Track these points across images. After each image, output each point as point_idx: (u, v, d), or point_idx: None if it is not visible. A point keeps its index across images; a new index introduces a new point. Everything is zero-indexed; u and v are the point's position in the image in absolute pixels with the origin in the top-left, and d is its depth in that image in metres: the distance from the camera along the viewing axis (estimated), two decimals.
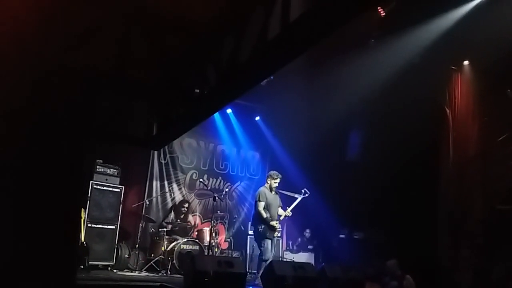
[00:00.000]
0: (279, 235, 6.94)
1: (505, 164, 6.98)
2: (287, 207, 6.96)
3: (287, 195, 7.38)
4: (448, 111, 7.57)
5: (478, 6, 6.43)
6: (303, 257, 8.47)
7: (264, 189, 6.79)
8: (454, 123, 7.55)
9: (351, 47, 7.28)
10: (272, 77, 8.33)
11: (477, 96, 7.44)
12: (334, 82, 7.77)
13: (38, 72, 4.52)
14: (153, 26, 4.15)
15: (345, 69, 7.53)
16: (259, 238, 6.59)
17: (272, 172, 6.98)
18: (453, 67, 7.63)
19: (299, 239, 9.16)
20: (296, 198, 7.10)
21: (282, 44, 2.82)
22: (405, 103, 7.21)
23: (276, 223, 6.58)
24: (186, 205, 8.54)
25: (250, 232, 8.64)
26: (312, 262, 8.34)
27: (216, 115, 9.43)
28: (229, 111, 9.64)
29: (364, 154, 8.53)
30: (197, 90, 4.29)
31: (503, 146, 6.99)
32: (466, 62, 7.55)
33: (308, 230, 9.14)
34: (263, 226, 6.52)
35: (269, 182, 6.85)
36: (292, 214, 7.02)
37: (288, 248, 9.07)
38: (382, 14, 6.87)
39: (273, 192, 6.81)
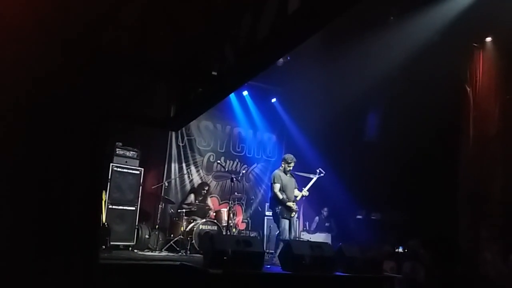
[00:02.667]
0: (296, 215, 6.98)
1: None
2: (303, 188, 7.01)
3: (303, 176, 7.39)
4: (469, 89, 7.40)
5: None
6: (320, 238, 8.50)
7: (278, 172, 6.93)
8: (475, 101, 7.39)
9: (370, 25, 7.15)
10: (288, 58, 8.28)
11: (499, 74, 7.25)
12: (352, 61, 7.65)
13: (57, 52, 4.56)
14: (171, 6, 4.13)
15: (364, 48, 7.40)
16: (277, 219, 6.71)
17: (286, 156, 7.05)
18: (475, 44, 7.43)
19: (317, 218, 9.19)
20: (312, 179, 7.11)
21: (301, 19, 2.78)
22: (425, 81, 7.09)
23: (293, 204, 6.68)
24: (206, 187, 8.66)
25: (267, 213, 8.72)
26: (329, 242, 8.35)
27: (233, 98, 9.43)
28: (245, 93, 9.62)
29: (383, 134, 8.44)
30: (215, 70, 4.29)
31: None
32: (488, 39, 7.34)
33: (326, 209, 9.16)
34: (280, 207, 6.66)
35: (283, 165, 6.96)
36: (309, 195, 7.07)
37: (305, 228, 9.11)
38: None
39: (288, 175, 6.91)
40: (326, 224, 9.03)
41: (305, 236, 8.70)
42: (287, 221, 6.64)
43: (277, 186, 6.73)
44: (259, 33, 3.27)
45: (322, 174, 7.11)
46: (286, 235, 6.57)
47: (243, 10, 3.67)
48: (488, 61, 7.36)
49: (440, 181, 7.24)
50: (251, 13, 3.52)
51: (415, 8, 6.91)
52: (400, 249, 7.24)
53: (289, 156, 7.01)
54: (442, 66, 6.94)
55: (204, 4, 4.03)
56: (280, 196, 6.66)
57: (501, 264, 6.45)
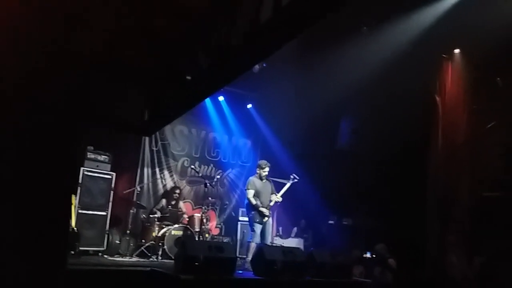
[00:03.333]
0: (270, 220, 7.02)
1: (492, 152, 7.08)
2: (276, 194, 7.09)
3: (277, 181, 7.46)
4: (438, 99, 7.61)
5: None
6: (293, 243, 8.56)
7: (253, 178, 7.06)
8: (444, 111, 7.59)
9: (343, 34, 7.28)
10: (264, 65, 8.35)
11: (467, 84, 7.47)
12: (326, 69, 7.78)
13: (29, 57, 4.46)
14: (145, 10, 4.11)
15: (337, 56, 7.53)
16: (251, 223, 6.87)
17: (260, 162, 7.23)
18: (444, 55, 7.66)
19: (295, 228, 9.22)
20: (285, 184, 7.18)
21: (273, 28, 2.82)
22: (395, 91, 7.25)
23: (266, 209, 6.79)
24: (178, 191, 8.54)
25: (241, 218, 8.74)
26: (302, 247, 8.43)
27: (208, 103, 9.42)
28: (221, 98, 9.62)
29: (354, 142, 8.58)
30: (189, 75, 4.29)
31: (490, 134, 7.08)
32: (457, 51, 7.57)
33: (303, 221, 9.21)
34: (253, 212, 6.82)
35: (258, 171, 7.08)
36: (283, 201, 7.14)
37: (278, 234, 9.16)
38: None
39: (263, 180, 6.99)
40: (304, 235, 9.07)
41: (279, 241, 8.75)
42: (259, 226, 6.77)
43: (250, 192, 6.87)
44: (233, 40, 3.29)
45: (296, 180, 7.18)
46: (257, 240, 6.69)
47: (218, 17, 3.69)
48: (456, 72, 7.58)
49: (410, 187, 7.42)
50: (226, 20, 3.54)
51: (386, 19, 7.09)
52: (368, 255, 7.38)
53: (262, 162, 7.17)
54: (413, 76, 7.12)
55: (178, 9, 4.02)
56: (253, 202, 6.80)
57: (467, 267, 6.64)
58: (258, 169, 7.09)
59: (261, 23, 2.89)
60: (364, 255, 7.12)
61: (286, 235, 9.12)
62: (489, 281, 6.09)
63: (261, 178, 7.01)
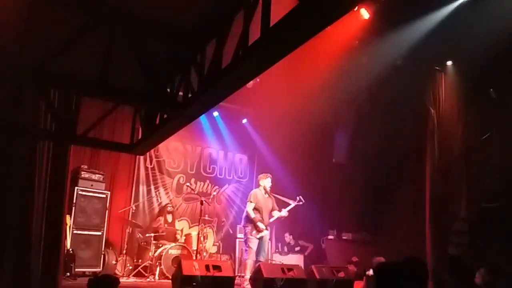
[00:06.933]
0: (268, 237, 6.91)
1: (489, 163, 7.06)
2: (283, 209, 6.99)
3: (281, 200, 7.35)
4: (432, 111, 7.60)
5: (460, 7, 6.47)
6: (292, 259, 8.45)
7: (256, 191, 6.91)
8: (438, 123, 7.57)
9: (335, 48, 7.30)
10: (258, 80, 8.34)
11: (461, 96, 7.48)
12: (320, 83, 7.78)
13: (18, 78, 4.46)
14: (135, 32, 4.12)
15: (331, 70, 7.55)
16: (245, 238, 6.71)
17: (261, 175, 7.13)
18: (437, 68, 7.68)
19: (280, 244, 9.13)
20: (290, 204, 7.10)
21: (262, 49, 2.81)
22: (390, 104, 7.26)
23: (263, 225, 6.62)
24: (174, 209, 8.47)
25: (239, 235, 8.63)
26: (301, 264, 8.32)
27: (203, 118, 9.39)
28: (216, 114, 9.60)
29: (351, 156, 8.56)
30: (181, 95, 4.28)
31: (486, 145, 7.07)
32: (449, 63, 7.59)
33: (287, 234, 9.11)
34: (249, 226, 6.65)
35: (261, 184, 6.94)
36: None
37: (277, 250, 9.06)
38: (366, 16, 6.89)
39: (266, 195, 6.87)
40: (296, 249, 8.97)
41: (278, 258, 8.65)
42: (255, 242, 6.58)
43: (250, 205, 6.70)
44: (223, 61, 3.28)
45: (301, 203, 7.07)
46: (253, 257, 6.52)
47: (208, 38, 3.70)
48: (449, 84, 7.59)
49: (408, 200, 7.38)
50: (216, 40, 3.54)
51: (379, 32, 7.11)
52: (371, 272, 7.27)
53: (263, 174, 7.09)
54: (407, 89, 7.14)
55: (168, 30, 4.04)
56: (252, 215, 6.62)
57: (468, 282, 6.55)
58: (260, 181, 6.95)
59: (249, 44, 2.88)
60: (367, 272, 7.02)
61: (286, 251, 9.02)
62: None
63: (265, 192, 6.85)
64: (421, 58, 7.18)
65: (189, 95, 3.99)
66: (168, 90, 4.56)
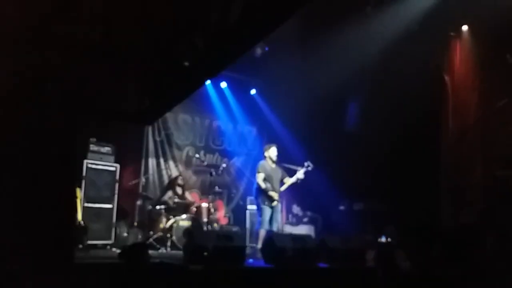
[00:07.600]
0: (280, 206, 6.86)
1: (505, 130, 6.88)
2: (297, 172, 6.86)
3: (289, 168, 7.25)
4: (447, 78, 7.41)
5: None
6: (303, 230, 8.45)
7: (263, 162, 6.85)
8: (453, 90, 7.39)
9: (348, 14, 7.08)
10: (266, 49, 8.15)
11: (477, 62, 7.26)
12: (331, 51, 7.58)
13: (20, 46, 4.34)
14: None
15: (342, 38, 7.33)
16: (259, 208, 6.68)
17: (265, 146, 7.04)
18: (452, 33, 7.43)
19: (290, 215, 9.10)
20: (298, 170, 6.99)
21: (271, 4, 2.65)
22: (403, 71, 7.06)
23: (275, 194, 6.61)
24: (184, 182, 8.45)
25: (249, 207, 8.62)
26: (313, 234, 8.31)
27: (211, 90, 9.26)
28: (224, 85, 9.45)
29: (363, 124, 8.40)
30: (187, 60, 4.14)
31: (502, 112, 6.86)
32: (465, 28, 7.34)
33: (294, 206, 9.06)
34: (261, 196, 6.62)
35: (266, 155, 6.87)
36: (292, 188, 6.95)
37: (288, 221, 9.05)
38: None
39: (274, 165, 6.81)
40: (304, 220, 8.94)
41: (288, 229, 8.64)
42: (268, 211, 6.54)
43: (260, 176, 6.66)
44: (230, 19, 3.12)
45: (309, 168, 6.90)
46: (266, 227, 6.49)
47: None
48: (465, 50, 7.36)
49: (422, 169, 7.25)
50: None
51: None
52: (383, 239, 7.23)
53: (266, 145, 7.00)
54: (421, 55, 6.94)
55: None
56: (263, 186, 6.58)
57: (481, 251, 6.48)
58: (265, 153, 6.86)
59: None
60: (379, 240, 6.96)
61: (296, 222, 8.99)
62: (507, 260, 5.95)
63: (272, 162, 6.79)
64: (436, 23, 6.94)
65: (196, 59, 3.84)
66: (174, 54, 4.41)
